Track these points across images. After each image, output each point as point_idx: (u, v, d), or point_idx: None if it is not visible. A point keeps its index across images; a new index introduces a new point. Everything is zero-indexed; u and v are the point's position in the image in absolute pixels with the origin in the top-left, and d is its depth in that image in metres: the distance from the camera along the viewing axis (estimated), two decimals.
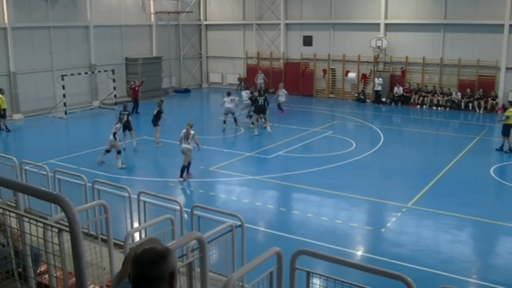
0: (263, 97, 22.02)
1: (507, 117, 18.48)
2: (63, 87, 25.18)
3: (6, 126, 22.70)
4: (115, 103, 27.85)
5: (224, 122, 22.19)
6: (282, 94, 25.87)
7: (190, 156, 15.41)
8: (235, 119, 22.45)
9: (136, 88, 25.90)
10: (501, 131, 18.79)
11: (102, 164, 16.91)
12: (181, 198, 13.34)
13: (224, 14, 35.86)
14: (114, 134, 16.78)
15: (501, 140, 18.77)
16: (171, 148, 18.73)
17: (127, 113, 19.04)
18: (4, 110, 22.74)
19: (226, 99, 22.24)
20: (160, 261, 2.52)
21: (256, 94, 22.51)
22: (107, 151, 17.07)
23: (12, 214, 3.82)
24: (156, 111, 19.76)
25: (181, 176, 15.43)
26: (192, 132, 15.35)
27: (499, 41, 26.09)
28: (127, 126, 18.90)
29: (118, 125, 17.28)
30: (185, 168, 15.48)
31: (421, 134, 22.71)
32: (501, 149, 18.59)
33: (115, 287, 3.18)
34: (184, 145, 15.36)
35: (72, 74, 26.40)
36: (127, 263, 2.94)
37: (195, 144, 15.53)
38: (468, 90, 26.72)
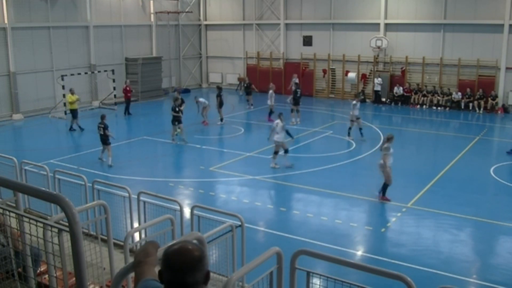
0: (300, 90, 23.81)
1: None
2: (63, 87, 25.18)
3: (79, 126, 22.45)
4: (115, 103, 27.93)
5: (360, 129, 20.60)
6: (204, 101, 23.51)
7: (387, 172, 13.63)
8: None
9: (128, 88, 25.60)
10: None
11: (276, 167, 16.52)
12: (181, 198, 13.32)
13: (224, 14, 35.86)
14: (287, 131, 16.58)
15: None
16: (178, 147, 18.80)
17: (103, 126, 17.03)
18: (76, 110, 22.46)
19: (356, 101, 20.29)
20: (199, 267, 2.49)
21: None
22: (276, 152, 16.53)
23: (12, 214, 3.82)
24: (173, 107, 19.85)
25: (383, 194, 13.75)
26: (385, 145, 13.83)
27: (499, 41, 26.08)
28: (103, 140, 17.12)
29: (279, 122, 16.50)
30: (387, 186, 13.75)
31: (421, 134, 22.69)
32: None
33: (119, 280, 3.12)
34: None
35: (72, 74, 26.40)
36: (149, 262, 2.85)
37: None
38: (468, 90, 26.71)
